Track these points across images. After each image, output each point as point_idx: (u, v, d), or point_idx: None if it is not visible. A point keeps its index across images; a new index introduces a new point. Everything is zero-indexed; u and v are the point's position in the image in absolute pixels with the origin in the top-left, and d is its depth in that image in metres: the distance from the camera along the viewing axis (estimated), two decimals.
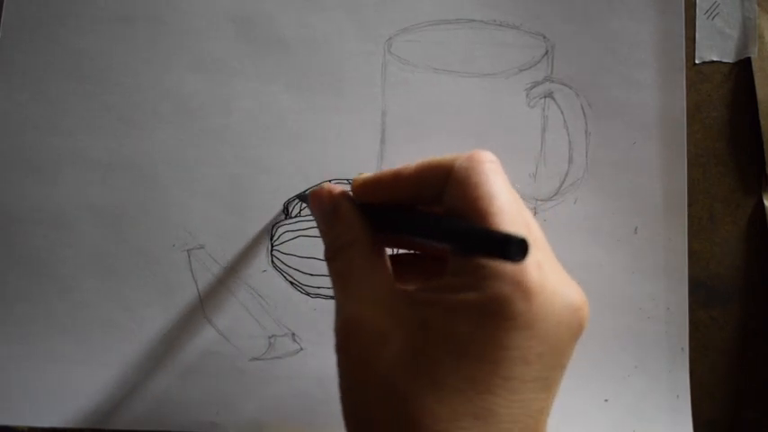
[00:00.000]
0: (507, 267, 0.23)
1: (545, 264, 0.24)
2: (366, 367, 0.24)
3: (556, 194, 0.42)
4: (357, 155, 0.42)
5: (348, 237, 0.27)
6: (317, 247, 0.41)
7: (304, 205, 0.42)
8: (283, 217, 0.42)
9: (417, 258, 0.31)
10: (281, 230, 0.41)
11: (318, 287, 0.41)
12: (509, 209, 0.24)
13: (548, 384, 0.23)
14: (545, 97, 0.42)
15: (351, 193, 0.29)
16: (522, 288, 0.23)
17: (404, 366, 0.23)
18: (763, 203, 0.42)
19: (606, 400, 0.40)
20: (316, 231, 0.41)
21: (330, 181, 0.42)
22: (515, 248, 0.21)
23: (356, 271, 0.26)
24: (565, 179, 0.42)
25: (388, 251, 0.29)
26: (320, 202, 0.29)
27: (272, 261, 0.41)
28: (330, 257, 0.28)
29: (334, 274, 0.27)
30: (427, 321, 0.23)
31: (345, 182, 0.42)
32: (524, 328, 0.22)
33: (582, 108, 0.42)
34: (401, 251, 0.32)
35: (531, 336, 0.22)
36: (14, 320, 0.41)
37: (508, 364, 0.22)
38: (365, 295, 0.25)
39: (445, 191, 0.25)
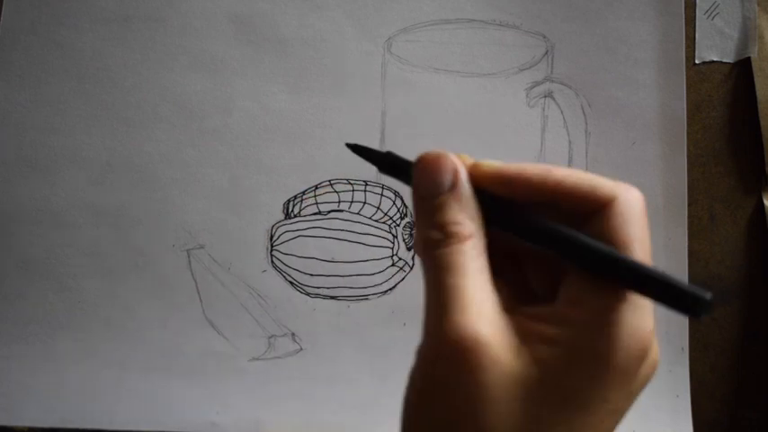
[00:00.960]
0: (634, 321, 0.21)
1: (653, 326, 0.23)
2: (478, 402, 0.20)
3: None
4: (356, 155, 0.42)
5: (467, 227, 0.22)
6: (317, 247, 0.41)
7: (304, 205, 0.42)
8: (283, 217, 0.42)
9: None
10: (281, 230, 0.41)
11: (318, 287, 0.41)
12: (647, 259, 0.22)
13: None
14: (545, 97, 0.42)
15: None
16: (640, 347, 0.21)
17: (522, 408, 0.20)
18: (763, 203, 0.42)
19: None
20: (316, 231, 0.41)
21: (330, 181, 0.42)
22: (702, 306, 0.20)
23: (474, 272, 0.21)
24: None
25: None
26: (438, 173, 0.23)
27: (272, 261, 0.41)
28: (435, 242, 0.22)
29: (440, 265, 0.21)
30: (547, 362, 0.20)
31: (345, 182, 0.42)
32: (625, 385, 0.22)
33: (582, 108, 0.42)
34: None
35: (627, 392, 0.22)
36: (14, 320, 0.41)
37: (600, 415, 0.21)
38: (483, 309, 0.21)
39: (601, 217, 0.22)
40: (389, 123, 0.42)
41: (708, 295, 0.20)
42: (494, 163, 0.23)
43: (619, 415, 0.22)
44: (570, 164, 0.42)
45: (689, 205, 0.42)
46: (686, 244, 0.41)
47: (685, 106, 0.42)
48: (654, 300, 0.21)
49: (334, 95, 0.43)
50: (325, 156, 0.42)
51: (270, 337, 0.41)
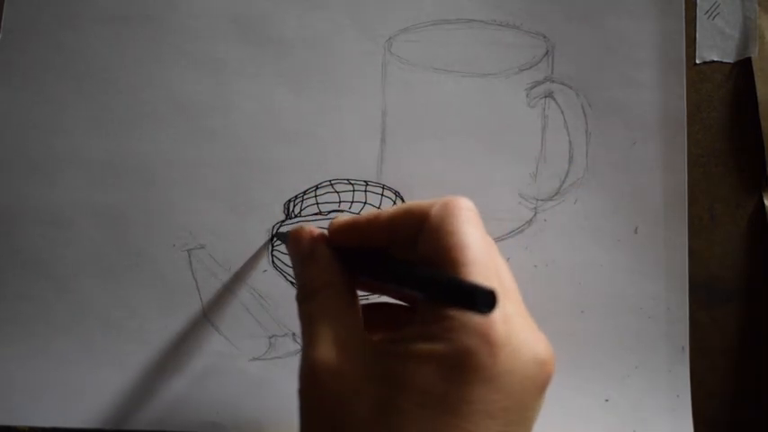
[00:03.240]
0: (474, 320, 0.23)
1: (514, 317, 0.24)
2: (330, 415, 0.24)
3: (556, 194, 0.42)
4: (357, 155, 0.42)
5: (322, 280, 0.27)
6: None
7: (305, 205, 0.42)
8: (284, 217, 0.42)
9: (388, 306, 0.31)
10: (281, 230, 0.41)
11: None
12: (481, 260, 0.24)
13: None
14: (545, 97, 0.42)
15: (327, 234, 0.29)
16: (487, 341, 0.23)
17: (367, 415, 0.23)
18: (763, 203, 0.42)
19: (607, 400, 0.40)
20: None
21: (330, 181, 0.42)
22: (483, 300, 0.21)
23: (327, 315, 0.26)
24: (565, 179, 0.42)
25: (360, 297, 0.29)
26: (298, 244, 0.29)
27: (273, 261, 0.41)
28: (302, 299, 0.28)
29: (305, 316, 0.27)
30: (394, 371, 0.23)
31: (345, 182, 0.42)
32: (489, 382, 0.22)
33: (582, 108, 0.42)
34: (372, 298, 0.32)
35: (496, 389, 0.23)
36: (14, 320, 0.41)
37: (473, 418, 0.22)
38: (334, 341, 0.25)
39: (420, 237, 0.25)
40: (390, 123, 0.42)
41: (487, 289, 0.21)
42: (340, 218, 0.29)
43: (508, 415, 0.23)
44: (571, 164, 0.42)
45: (689, 205, 0.42)
46: (686, 244, 0.41)
47: (686, 106, 0.42)
48: (446, 303, 0.23)
49: (334, 95, 0.43)
50: (325, 156, 0.42)
51: (270, 337, 0.41)
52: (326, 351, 0.25)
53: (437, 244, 0.24)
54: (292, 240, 0.29)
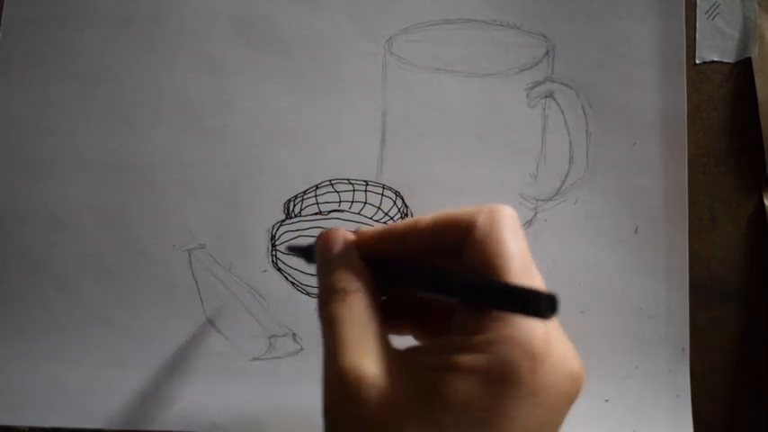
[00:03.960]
0: (515, 332, 0.22)
1: (552, 330, 0.23)
2: (363, 424, 0.23)
3: (556, 194, 0.42)
4: (357, 155, 0.42)
5: (353, 283, 0.26)
6: None
7: (305, 205, 0.42)
8: (284, 217, 0.42)
9: (406, 307, 0.30)
10: (281, 230, 0.41)
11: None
12: (523, 270, 0.24)
13: None
14: (545, 97, 0.42)
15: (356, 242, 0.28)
16: (530, 355, 0.22)
17: (405, 427, 0.22)
18: (763, 203, 0.42)
19: (607, 401, 0.40)
20: (316, 231, 0.41)
21: (330, 181, 0.42)
22: (546, 305, 0.21)
23: (357, 320, 0.25)
24: (565, 179, 0.42)
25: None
26: (332, 244, 0.28)
27: (273, 261, 0.41)
28: (327, 301, 0.26)
29: (330, 319, 0.25)
30: (433, 384, 0.22)
31: (345, 182, 0.42)
32: (529, 397, 0.22)
33: (582, 108, 0.42)
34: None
35: (535, 404, 0.22)
36: (14, 320, 0.41)
37: None
38: (365, 348, 0.24)
39: (466, 246, 0.25)
40: (390, 123, 0.42)
41: (550, 293, 0.21)
42: (372, 228, 0.28)
43: (542, 430, 0.22)
44: (571, 164, 0.42)
45: (689, 205, 0.42)
46: (687, 244, 0.41)
47: (686, 106, 0.42)
48: (506, 310, 0.23)
49: (334, 95, 0.43)
50: (325, 156, 0.42)
51: (270, 337, 0.41)
52: (357, 359, 0.23)
53: (484, 252, 0.24)
54: (324, 241, 0.28)
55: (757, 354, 0.41)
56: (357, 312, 0.25)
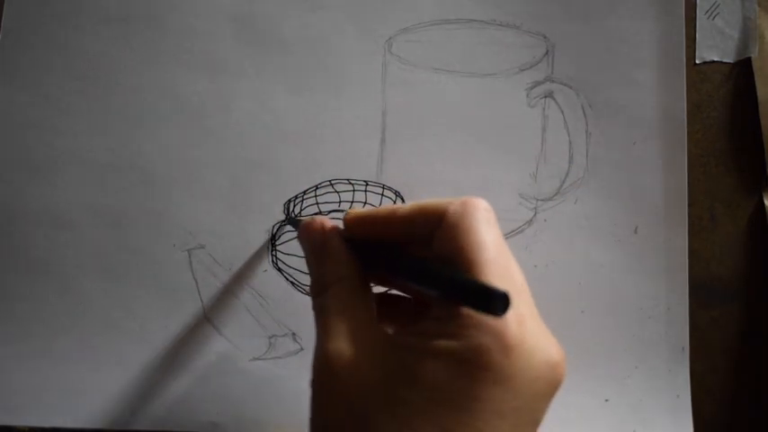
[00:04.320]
0: (488, 319, 0.23)
1: (527, 318, 0.24)
2: (341, 405, 0.24)
3: (556, 194, 0.42)
4: (357, 155, 0.42)
5: (336, 274, 0.28)
6: None
7: (305, 205, 0.42)
8: (284, 217, 0.42)
9: (401, 300, 0.31)
10: (281, 230, 0.41)
11: None
12: (496, 260, 0.24)
13: None
14: (545, 97, 0.42)
15: (341, 227, 0.30)
16: (501, 341, 0.23)
17: (380, 408, 0.23)
18: (763, 203, 0.42)
19: (607, 400, 0.40)
20: None
21: (330, 181, 0.42)
22: (497, 302, 0.21)
23: (341, 308, 0.26)
24: (565, 179, 0.42)
25: (374, 290, 0.29)
26: (311, 236, 0.29)
27: (273, 261, 0.41)
28: (316, 293, 0.28)
29: (318, 309, 0.27)
30: (405, 365, 0.24)
31: (345, 182, 0.42)
32: (501, 382, 0.23)
33: (582, 108, 0.42)
34: (385, 291, 0.32)
35: (507, 389, 0.23)
36: (15, 320, 0.41)
37: (482, 416, 0.22)
38: (347, 333, 0.26)
39: (436, 235, 0.25)
40: (390, 123, 0.42)
41: (501, 291, 0.21)
42: (356, 210, 0.29)
43: (518, 416, 0.23)
44: (571, 164, 0.42)
45: (689, 205, 0.42)
46: (686, 244, 0.41)
47: (686, 106, 0.42)
48: (460, 303, 0.23)
49: (334, 95, 0.43)
50: (325, 156, 0.42)
51: (270, 337, 0.41)
52: (340, 343, 0.25)
53: (454, 242, 0.25)
54: (303, 232, 0.30)
55: (757, 354, 0.41)
56: (340, 301, 0.27)
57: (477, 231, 0.25)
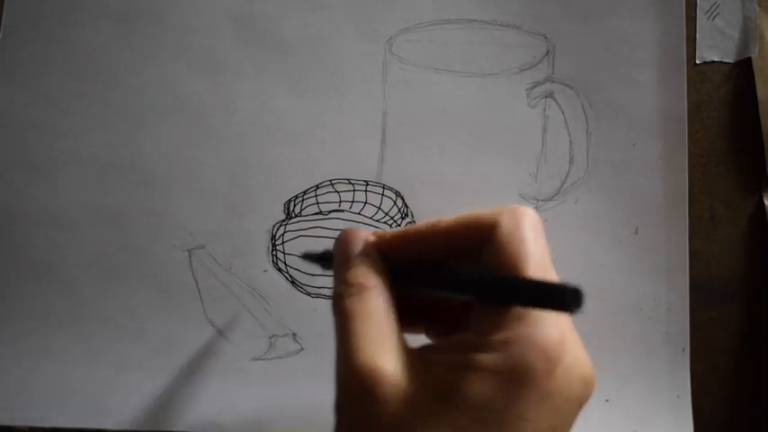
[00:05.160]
0: (532, 334, 0.22)
1: (567, 333, 0.23)
2: (381, 427, 0.22)
3: (557, 194, 0.42)
4: (357, 155, 0.42)
5: (370, 280, 0.25)
6: (318, 246, 0.41)
7: (305, 205, 0.42)
8: (284, 216, 0.42)
9: (419, 307, 0.30)
10: (281, 230, 0.41)
11: (319, 287, 0.41)
12: (543, 269, 0.24)
13: None
14: (546, 97, 0.42)
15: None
16: (546, 356, 0.22)
17: (422, 426, 0.22)
18: (763, 203, 0.42)
19: (607, 400, 0.40)
20: (316, 231, 0.41)
21: (330, 181, 0.42)
22: (572, 298, 0.21)
23: (374, 316, 0.24)
24: (566, 179, 0.42)
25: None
26: (353, 241, 0.27)
27: (273, 261, 0.41)
28: (342, 294, 0.25)
29: (345, 313, 0.25)
30: (449, 383, 0.22)
31: (346, 181, 0.42)
32: (544, 400, 0.22)
33: (583, 108, 0.42)
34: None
35: (549, 407, 0.22)
36: (15, 320, 0.41)
37: None
38: (382, 345, 0.23)
39: (487, 247, 0.25)
40: (390, 123, 0.42)
41: (575, 287, 0.21)
42: (398, 230, 0.28)
43: None
44: (571, 164, 0.42)
45: (689, 205, 0.42)
46: (686, 244, 0.41)
47: (686, 106, 0.42)
48: (532, 306, 0.23)
49: (334, 95, 0.43)
50: (325, 156, 0.42)
51: (271, 337, 0.41)
52: (374, 356, 0.23)
53: (507, 252, 0.24)
54: (345, 238, 0.28)
55: (757, 354, 0.41)
56: (374, 308, 0.25)
57: (528, 241, 0.24)
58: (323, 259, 0.32)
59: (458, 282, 0.25)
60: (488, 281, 0.24)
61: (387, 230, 0.28)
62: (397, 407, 0.22)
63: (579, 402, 0.23)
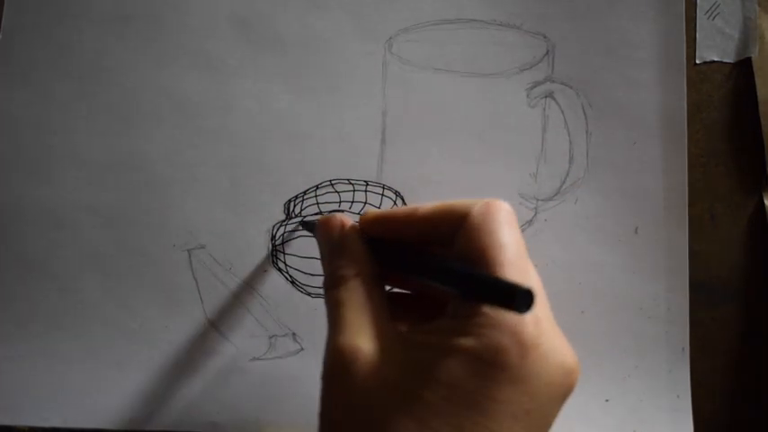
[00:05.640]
0: (506, 319, 0.23)
1: (543, 320, 0.24)
2: (353, 399, 0.24)
3: (557, 194, 0.42)
4: (357, 155, 0.42)
5: (352, 269, 0.27)
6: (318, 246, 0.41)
7: (305, 205, 0.42)
8: (284, 216, 0.42)
9: (413, 299, 0.31)
10: (281, 230, 0.41)
11: (319, 287, 0.41)
12: (516, 261, 0.24)
13: None
14: (546, 97, 0.42)
15: (358, 225, 0.30)
16: (519, 341, 0.23)
17: (393, 404, 0.23)
18: (763, 203, 0.42)
19: (607, 400, 0.40)
20: None
21: (330, 181, 0.42)
22: (521, 299, 0.21)
23: (355, 302, 0.26)
24: (565, 179, 0.42)
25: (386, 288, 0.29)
26: (329, 232, 0.29)
27: (273, 261, 0.41)
28: (330, 286, 0.28)
29: (332, 302, 0.27)
30: (423, 362, 0.23)
31: (345, 182, 0.42)
32: (517, 383, 0.23)
33: (582, 108, 0.42)
34: (396, 290, 0.32)
35: (522, 391, 0.23)
36: (14, 320, 0.41)
37: (496, 417, 0.22)
38: (362, 328, 0.25)
39: (458, 235, 0.25)
40: (390, 123, 0.42)
41: (526, 288, 0.21)
42: (374, 210, 0.30)
43: (530, 419, 0.23)
44: (571, 164, 0.42)
45: (689, 205, 0.42)
46: (686, 244, 0.41)
47: (686, 106, 0.42)
48: (482, 300, 0.23)
49: (334, 95, 0.43)
50: (325, 156, 0.42)
51: (271, 337, 0.41)
52: (353, 337, 0.25)
53: (476, 242, 0.25)
54: (322, 228, 0.30)
55: (757, 354, 0.41)
56: (356, 295, 0.27)
57: (499, 232, 0.25)
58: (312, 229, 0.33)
59: (419, 265, 0.26)
60: (445, 270, 0.25)
61: (372, 210, 0.29)
62: (371, 383, 0.24)
63: (560, 391, 0.24)
